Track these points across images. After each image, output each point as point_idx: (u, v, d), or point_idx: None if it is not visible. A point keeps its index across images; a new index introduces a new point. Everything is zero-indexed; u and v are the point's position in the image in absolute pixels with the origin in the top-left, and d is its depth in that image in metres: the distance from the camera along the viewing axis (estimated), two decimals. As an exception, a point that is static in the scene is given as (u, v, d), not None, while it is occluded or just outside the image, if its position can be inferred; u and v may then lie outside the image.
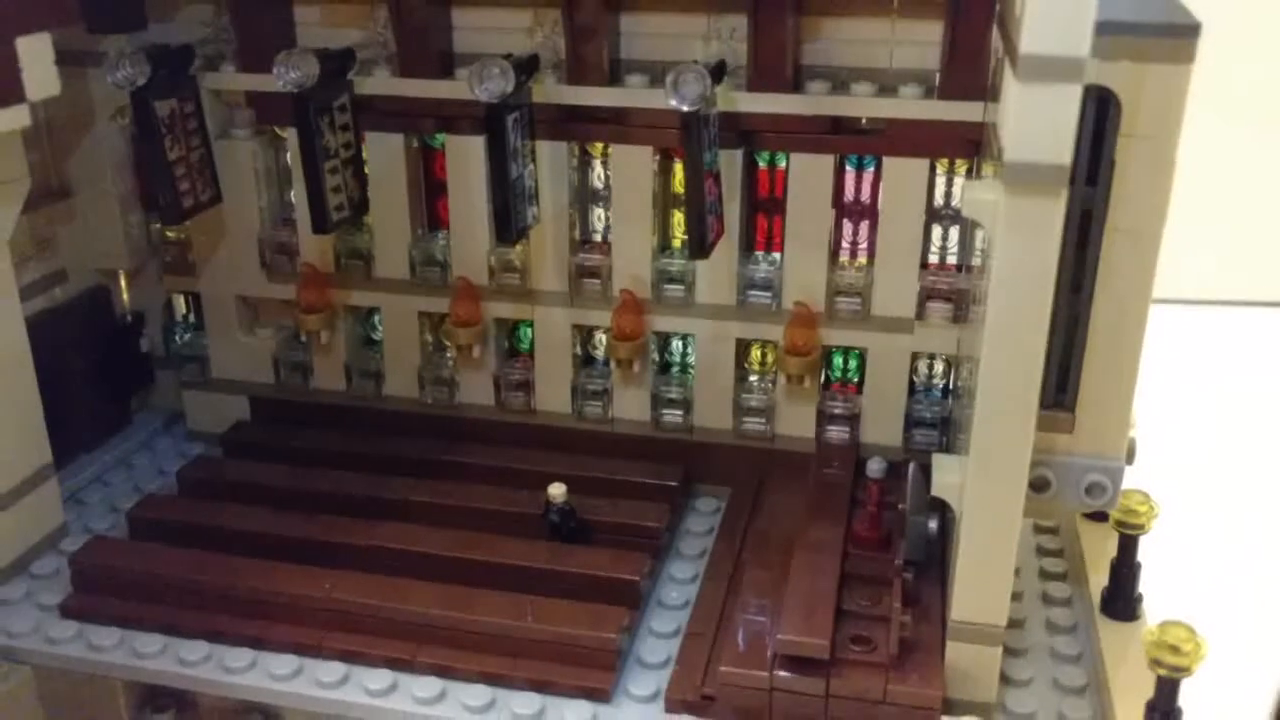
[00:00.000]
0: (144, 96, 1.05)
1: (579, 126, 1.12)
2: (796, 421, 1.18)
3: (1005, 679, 0.96)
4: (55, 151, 1.22)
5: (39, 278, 1.22)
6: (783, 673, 0.90)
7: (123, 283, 1.32)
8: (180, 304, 1.35)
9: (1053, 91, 0.72)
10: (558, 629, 0.96)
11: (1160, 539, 1.02)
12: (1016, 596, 1.06)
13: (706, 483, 1.21)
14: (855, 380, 1.19)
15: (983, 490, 0.84)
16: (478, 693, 0.95)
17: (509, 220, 1.03)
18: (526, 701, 0.94)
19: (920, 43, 1.04)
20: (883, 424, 1.16)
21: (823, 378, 1.19)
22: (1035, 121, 0.73)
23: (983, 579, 0.87)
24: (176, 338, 1.35)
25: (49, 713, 1.03)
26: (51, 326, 1.22)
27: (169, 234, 1.27)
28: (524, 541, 1.08)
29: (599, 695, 0.94)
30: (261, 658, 0.99)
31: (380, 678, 0.96)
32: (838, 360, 1.20)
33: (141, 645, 1.00)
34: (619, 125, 1.11)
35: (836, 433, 1.18)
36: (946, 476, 0.88)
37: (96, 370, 1.30)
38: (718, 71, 0.99)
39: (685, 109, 0.94)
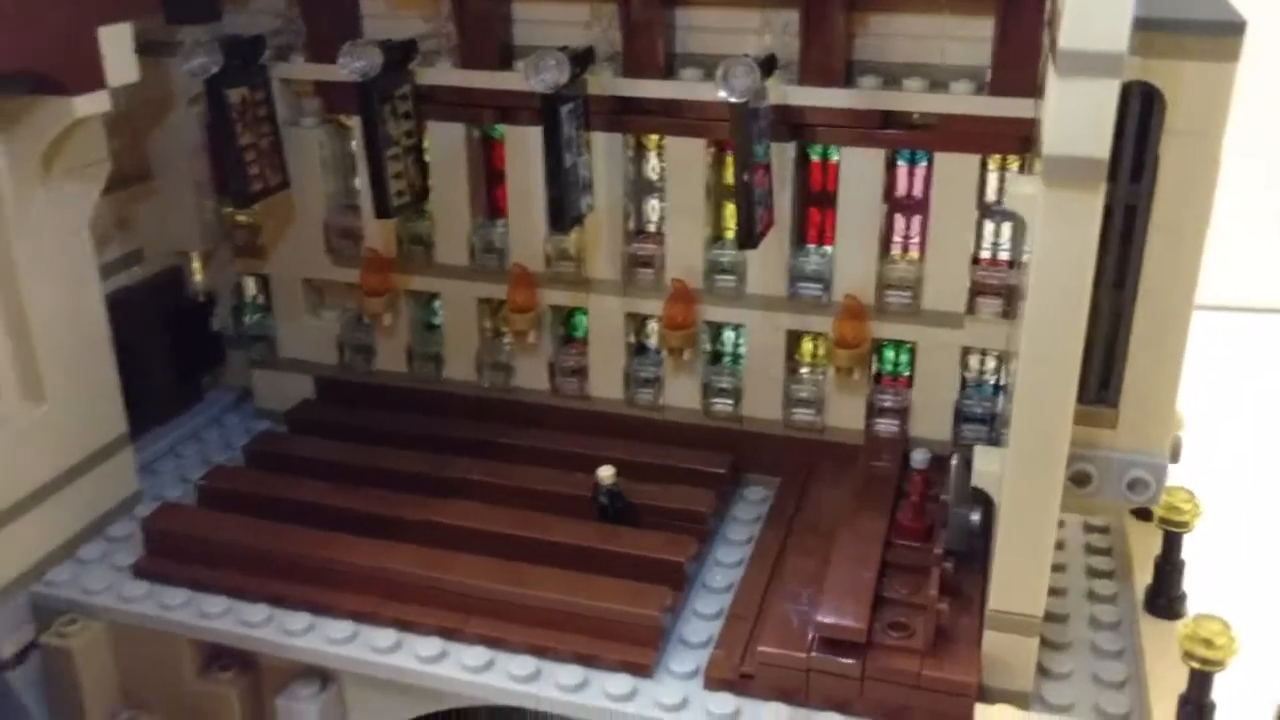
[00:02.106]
0: (216, 85, 1.10)
1: (634, 118, 1.15)
2: (846, 413, 1.19)
3: (1045, 671, 0.97)
4: (136, 137, 1.28)
5: (118, 257, 1.28)
6: (820, 654, 0.92)
7: (196, 264, 1.37)
8: (250, 286, 1.40)
9: (1091, 86, 0.73)
10: (603, 605, 0.99)
11: (1207, 539, 1.02)
12: (1061, 592, 1.07)
13: (756, 472, 1.23)
14: (906, 374, 1.20)
15: (1021, 481, 0.85)
16: (524, 663, 0.98)
17: (563, 209, 1.06)
18: (570, 673, 0.97)
19: (973, 39, 1.05)
20: (932, 418, 1.17)
21: (874, 371, 1.20)
22: (1074, 116, 0.74)
23: (1020, 569, 0.88)
24: (246, 318, 1.40)
25: (121, 666, 1.08)
26: (128, 304, 1.27)
27: (240, 218, 1.32)
28: (573, 521, 1.11)
29: (641, 670, 0.97)
30: (319, 622, 1.03)
31: (431, 645, 1.00)
32: (889, 354, 1.21)
33: (207, 606, 1.05)
34: (673, 118, 1.14)
35: (885, 426, 1.19)
36: (986, 466, 0.90)
37: (170, 348, 1.35)
38: (768, 65, 1.01)
39: (734, 101, 0.96)
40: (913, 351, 1.18)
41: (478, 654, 0.99)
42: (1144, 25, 0.80)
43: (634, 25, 1.11)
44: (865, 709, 0.92)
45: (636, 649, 0.98)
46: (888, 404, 1.19)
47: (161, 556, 1.10)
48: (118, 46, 1.00)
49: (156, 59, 1.19)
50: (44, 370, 1.08)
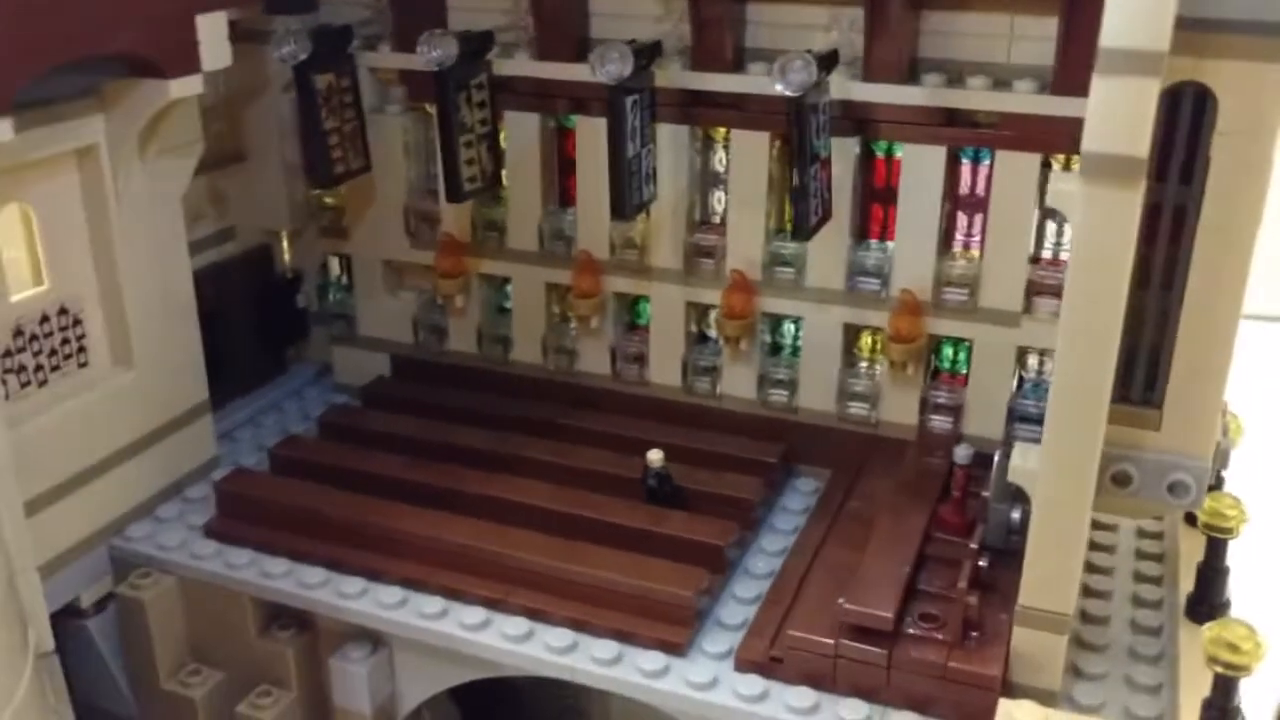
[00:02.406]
0: (304, 71, 1.16)
1: (702, 111, 1.18)
2: (899, 408, 1.20)
3: (1078, 672, 0.96)
4: (233, 120, 1.35)
5: (212, 233, 1.35)
6: (848, 640, 0.93)
7: (285, 243, 1.44)
8: (335, 265, 1.46)
9: (1131, 84, 0.73)
10: (641, 583, 1.02)
11: (1255, 546, 1.00)
12: (1105, 595, 1.06)
13: (809, 463, 1.24)
14: (964, 372, 1.20)
15: (1054, 477, 0.85)
16: (562, 635, 1.01)
17: (623, 197, 1.09)
18: (606, 648, 0.99)
19: (1037, 38, 1.05)
20: (986, 416, 1.17)
21: (931, 367, 1.21)
22: (1113, 114, 0.75)
23: (1051, 565, 0.88)
24: (330, 296, 1.46)
25: (189, 621, 1.15)
26: (219, 278, 1.34)
27: (327, 199, 1.38)
28: (623, 502, 1.13)
29: (674, 649, 0.99)
30: (372, 587, 1.08)
31: (475, 614, 1.04)
32: (947, 351, 1.21)
33: (269, 567, 1.11)
34: (738, 111, 1.16)
35: (939, 422, 1.20)
36: (1023, 463, 0.90)
37: (257, 321, 1.42)
38: (828, 60, 1.02)
39: (790, 94, 0.98)
40: (970, 349, 1.17)
41: (519, 624, 1.02)
42: (1195, 25, 0.80)
43: (704, 20, 1.13)
44: (892, 698, 0.93)
45: (671, 628, 1.00)
46: (942, 401, 1.19)
47: (231, 518, 1.16)
48: (213, 33, 1.06)
49: (254, 46, 1.26)
50: (133, 337, 1.14)
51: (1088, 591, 1.06)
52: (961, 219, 1.16)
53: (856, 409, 1.22)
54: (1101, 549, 1.12)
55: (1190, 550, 1.09)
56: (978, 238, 1.15)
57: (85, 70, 0.99)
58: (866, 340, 1.24)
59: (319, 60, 1.16)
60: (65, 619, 1.13)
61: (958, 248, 1.17)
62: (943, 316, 1.15)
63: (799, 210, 1.03)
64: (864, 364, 1.23)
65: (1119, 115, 0.74)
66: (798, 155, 1.01)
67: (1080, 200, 0.77)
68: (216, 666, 1.15)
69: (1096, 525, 1.15)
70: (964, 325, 1.15)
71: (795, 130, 1.00)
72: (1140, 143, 0.75)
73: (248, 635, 1.13)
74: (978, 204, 1.14)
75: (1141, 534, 1.15)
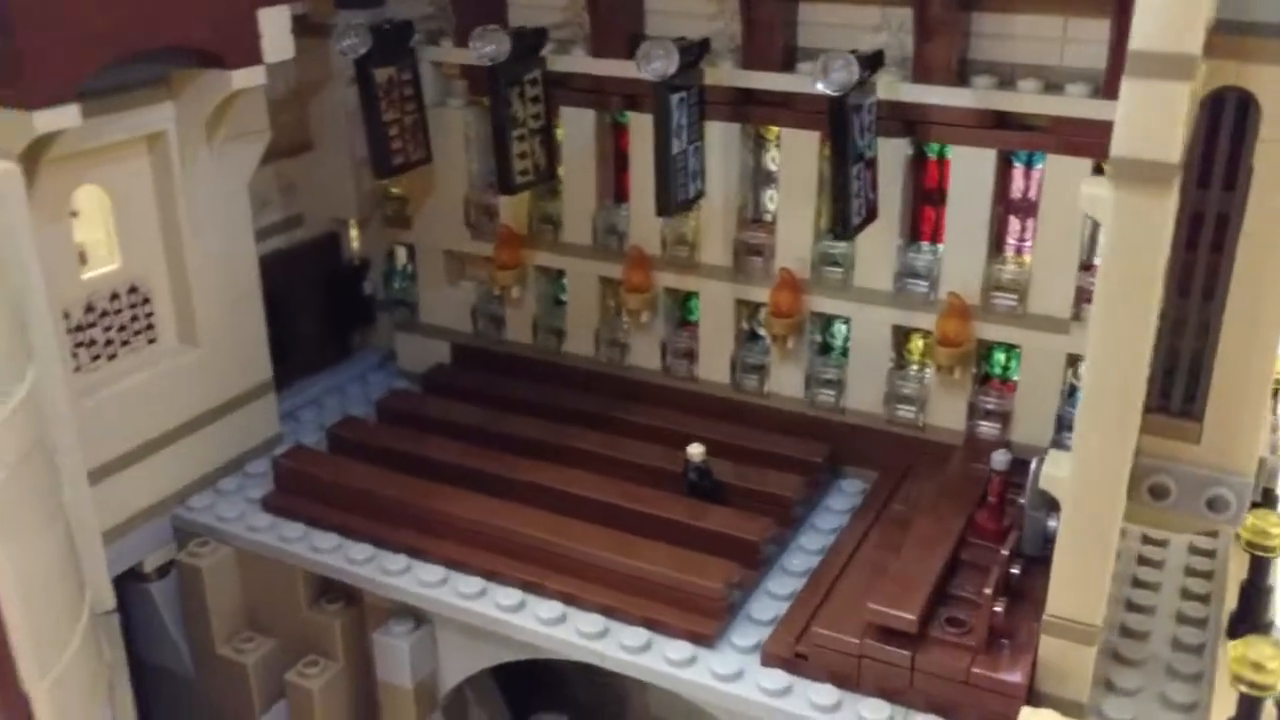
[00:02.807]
0: (365, 64, 1.19)
1: (753, 109, 1.18)
2: (946, 413, 1.19)
3: (1110, 685, 0.95)
4: (302, 111, 1.40)
5: (281, 219, 1.40)
6: (872, 641, 0.93)
7: (353, 231, 1.48)
8: (401, 254, 1.50)
9: (1162, 88, 0.72)
10: (672, 574, 1.03)
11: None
12: (1148, 610, 1.04)
13: (855, 465, 1.24)
14: (1015, 379, 1.19)
15: (1083, 486, 0.85)
16: (593, 621, 1.03)
17: (667, 193, 1.10)
18: (635, 635, 1.01)
19: (1091, 41, 1.03)
20: (1034, 423, 1.16)
21: (982, 373, 1.20)
22: (1143, 118, 0.74)
23: (1079, 575, 0.87)
24: (395, 284, 1.50)
25: (244, 590, 1.20)
26: (287, 264, 1.39)
27: (392, 190, 1.42)
28: (663, 494, 1.15)
29: (703, 640, 1.00)
30: (416, 565, 1.11)
31: (511, 595, 1.06)
32: (999, 357, 1.20)
33: (319, 542, 1.15)
34: (789, 110, 1.16)
35: (987, 428, 1.19)
36: (1054, 470, 0.89)
37: (324, 306, 1.47)
38: (873, 60, 1.02)
39: (831, 93, 0.98)
40: (1019, 355, 1.16)
41: (553, 608, 1.05)
42: (1238, 28, 0.78)
43: (755, 20, 1.14)
44: (914, 700, 0.93)
45: (701, 619, 1.01)
46: (990, 407, 1.18)
47: (287, 493, 1.20)
48: (275, 27, 1.10)
49: (321, 40, 1.30)
50: (199, 316, 1.19)
51: (1130, 606, 1.04)
52: (1014, 223, 1.15)
53: (904, 411, 1.21)
54: (1149, 564, 1.10)
55: (1242, 568, 1.06)
56: (1030, 243, 1.14)
57: (156, 60, 1.04)
58: (917, 343, 1.23)
59: (379, 54, 1.20)
60: (130, 582, 1.19)
61: (1009, 252, 1.16)
62: (991, 321, 1.14)
63: (840, 209, 1.03)
64: (914, 367, 1.23)
65: (1149, 120, 0.73)
66: (839, 154, 1.01)
67: (1110, 205, 0.77)
68: (269, 635, 1.20)
69: (1146, 540, 1.13)
70: (1012, 331, 1.14)
71: (837, 129, 1.00)
72: (1171, 148, 0.74)
73: (298, 606, 1.17)
74: (1030, 208, 1.13)
75: (1193, 550, 1.13)
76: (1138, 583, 1.08)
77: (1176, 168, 0.74)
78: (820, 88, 0.98)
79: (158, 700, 1.26)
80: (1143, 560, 1.11)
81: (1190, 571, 1.10)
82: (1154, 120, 0.73)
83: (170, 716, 1.26)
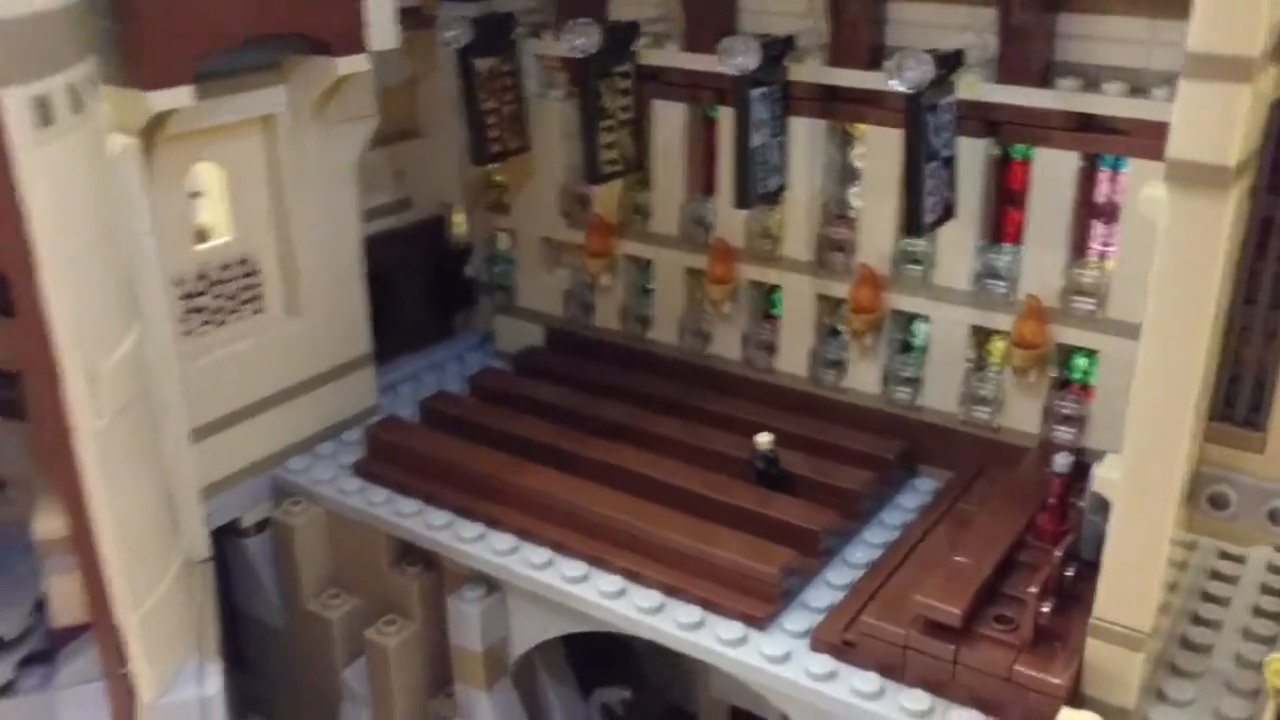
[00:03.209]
0: (467, 55, 1.25)
1: (839, 106, 1.20)
2: (1021, 415, 1.19)
3: (1161, 695, 0.94)
4: (411, 99, 1.46)
5: (389, 202, 1.47)
6: (918, 633, 0.94)
7: (457, 215, 1.54)
8: (503, 240, 1.56)
9: (1219, 90, 0.72)
10: (730, 556, 1.06)
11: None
12: (1214, 625, 1.03)
13: (930, 464, 1.25)
14: (1095, 384, 1.18)
15: (1133, 491, 0.84)
16: (651, 597, 1.06)
17: (745, 186, 1.12)
18: (690, 613, 1.04)
19: (1179, 44, 1.01)
20: (1110, 429, 1.14)
21: (1062, 377, 1.19)
22: (1200, 120, 0.73)
23: (1128, 580, 0.87)
24: (495, 268, 1.56)
25: (332, 550, 1.27)
26: (394, 244, 1.46)
27: (496, 177, 1.47)
28: (732, 481, 1.17)
29: (755, 622, 1.02)
30: (490, 534, 1.16)
31: (576, 568, 1.10)
32: (1080, 361, 1.19)
33: (402, 507, 1.21)
34: (875, 108, 1.17)
35: (1063, 432, 1.18)
36: (1108, 473, 0.88)
37: (427, 286, 1.54)
38: (951, 60, 1.03)
39: (905, 91, 0.99)
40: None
41: (614, 582, 1.08)
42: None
43: (842, 18, 1.15)
44: (957, 695, 0.93)
45: (755, 601, 1.04)
46: (1067, 411, 1.17)
47: (377, 460, 1.27)
48: (380, 16, 1.16)
49: (431, 31, 1.36)
50: (303, 290, 1.27)
51: (1196, 619, 1.03)
52: (1099, 228, 1.14)
53: (979, 412, 1.21)
54: (1222, 579, 1.08)
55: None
56: (1114, 247, 1.13)
57: (268, 47, 1.11)
58: (998, 345, 1.22)
59: (481, 45, 1.25)
60: (229, 536, 1.27)
61: (1092, 256, 1.15)
62: (1069, 325, 1.13)
63: (911, 206, 1.04)
64: (993, 369, 1.23)
65: (1206, 122, 0.73)
66: (912, 151, 1.02)
67: (1164, 208, 0.76)
68: (353, 593, 1.27)
69: (1223, 555, 1.10)
70: (1090, 335, 1.13)
71: (910, 126, 1.01)
72: (1227, 151, 0.73)
73: (380, 568, 1.23)
74: (1114, 212, 1.12)
75: (1271, 569, 1.10)
76: (1207, 596, 1.06)
77: (1233, 171, 0.73)
78: (893, 85, 0.99)
79: (250, 648, 1.34)
80: (1216, 575, 1.08)
81: (1266, 589, 1.07)
82: (1210, 123, 0.73)
83: (261, 664, 1.34)
